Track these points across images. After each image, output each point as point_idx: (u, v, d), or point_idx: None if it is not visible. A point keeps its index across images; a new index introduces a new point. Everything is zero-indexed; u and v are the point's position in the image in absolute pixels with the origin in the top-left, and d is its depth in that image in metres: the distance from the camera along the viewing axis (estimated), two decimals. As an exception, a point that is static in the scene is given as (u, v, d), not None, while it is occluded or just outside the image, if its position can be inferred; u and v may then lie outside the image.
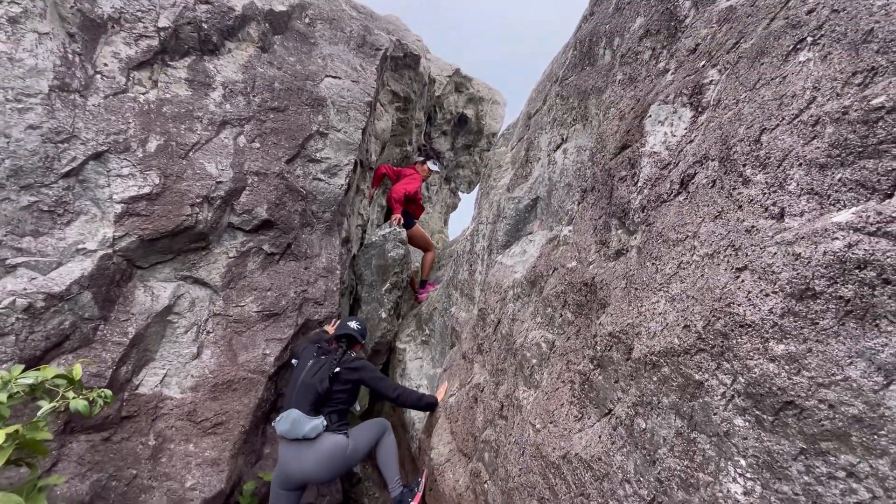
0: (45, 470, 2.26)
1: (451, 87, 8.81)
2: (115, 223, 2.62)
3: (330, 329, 3.71)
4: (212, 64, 3.32)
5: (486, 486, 2.25)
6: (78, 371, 1.70)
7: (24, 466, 1.57)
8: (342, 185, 4.07)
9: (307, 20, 4.18)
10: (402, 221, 5.28)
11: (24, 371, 1.56)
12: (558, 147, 2.77)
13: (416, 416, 3.96)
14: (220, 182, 3.08)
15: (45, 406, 1.53)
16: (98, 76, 2.70)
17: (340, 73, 4.21)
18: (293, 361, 3.08)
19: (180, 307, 3.00)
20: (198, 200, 2.91)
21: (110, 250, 2.60)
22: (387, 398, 3.15)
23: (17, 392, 1.48)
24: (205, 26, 3.31)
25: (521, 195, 3.04)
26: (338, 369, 2.93)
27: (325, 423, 2.63)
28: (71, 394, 1.62)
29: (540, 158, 3.04)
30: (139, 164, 2.74)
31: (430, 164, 6.22)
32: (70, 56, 2.57)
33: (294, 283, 3.59)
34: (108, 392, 1.80)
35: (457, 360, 3.40)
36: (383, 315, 4.83)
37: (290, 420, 2.58)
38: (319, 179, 3.92)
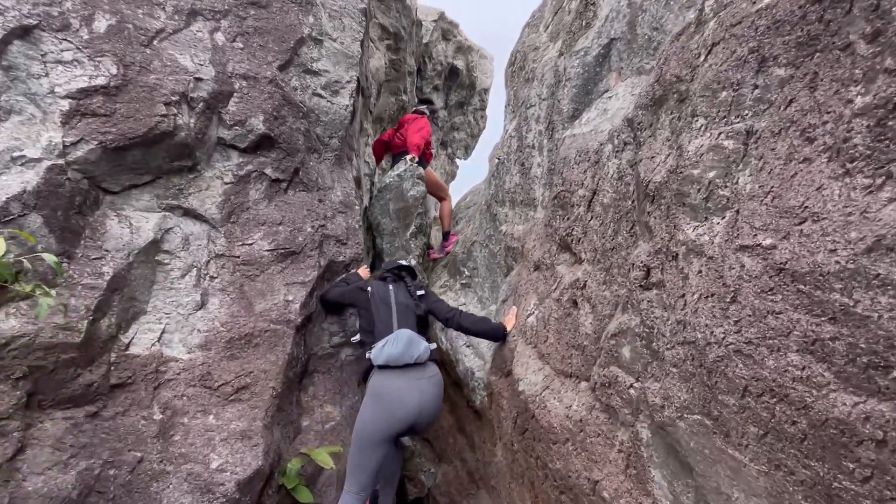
0: (7, 458, 1.57)
1: (438, 34, 8.12)
2: (64, 125, 1.92)
3: (363, 272, 3.07)
4: (167, -57, 2.60)
5: (632, 391, 1.60)
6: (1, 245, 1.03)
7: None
8: (347, 105, 3.39)
9: None
10: (416, 158, 4.60)
11: None
12: (639, -44, 2.11)
13: (474, 365, 3.31)
14: (200, 79, 2.37)
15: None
16: (12, -67, 1.98)
17: (326, -28, 3.50)
18: (367, 289, 2.71)
19: (170, 244, 2.30)
20: (174, 98, 2.21)
21: (61, 161, 1.89)
22: (445, 321, 2.64)
23: None
24: None
25: (588, 45, 2.38)
26: (421, 292, 2.74)
27: (432, 346, 2.31)
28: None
29: (607, -9, 2.38)
30: (87, 48, 2.02)
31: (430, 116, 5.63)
32: None
33: (309, 217, 2.91)
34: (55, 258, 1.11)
35: (524, 279, 2.76)
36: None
37: (404, 340, 2.22)
38: (320, 96, 3.23)
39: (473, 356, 3.38)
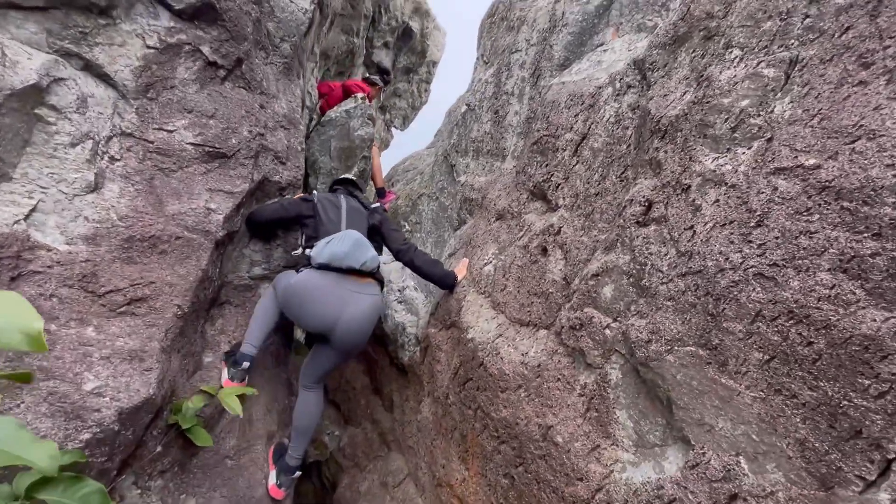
0: None
1: (398, -13, 7.66)
2: None
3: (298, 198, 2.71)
4: None
5: (607, 331, 1.55)
6: None
7: None
8: (306, 10, 2.98)
9: None
10: (366, 98, 4.24)
11: None
12: None
13: (406, 321, 3.12)
14: None
15: None
16: None
17: None
18: (313, 199, 2.46)
19: (60, 100, 1.74)
20: None
21: None
22: (396, 252, 2.43)
23: None
24: None
25: (591, -7, 2.31)
26: (376, 204, 2.51)
27: (380, 258, 2.07)
28: None
29: (617, -56, 2.32)
30: None
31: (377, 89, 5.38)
32: None
33: (247, 120, 2.46)
34: None
35: (481, 230, 2.63)
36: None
37: (351, 241, 1.95)
38: (279, -13, 2.77)
39: (405, 312, 3.18)
